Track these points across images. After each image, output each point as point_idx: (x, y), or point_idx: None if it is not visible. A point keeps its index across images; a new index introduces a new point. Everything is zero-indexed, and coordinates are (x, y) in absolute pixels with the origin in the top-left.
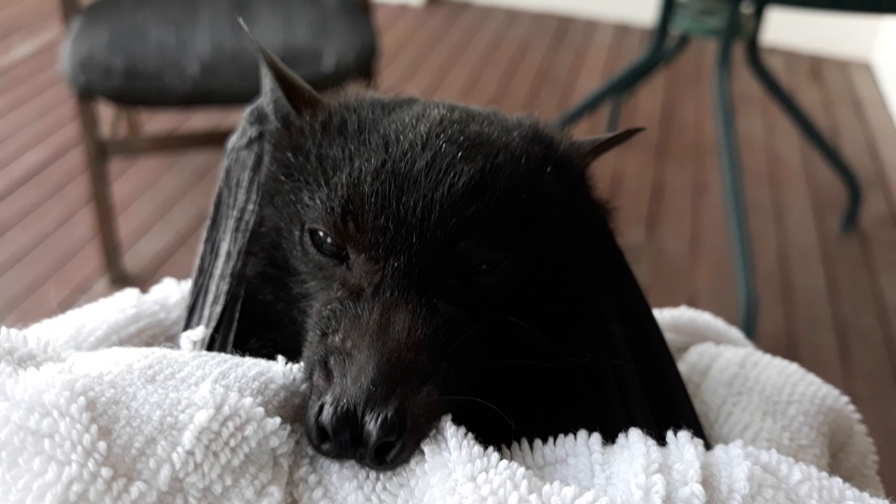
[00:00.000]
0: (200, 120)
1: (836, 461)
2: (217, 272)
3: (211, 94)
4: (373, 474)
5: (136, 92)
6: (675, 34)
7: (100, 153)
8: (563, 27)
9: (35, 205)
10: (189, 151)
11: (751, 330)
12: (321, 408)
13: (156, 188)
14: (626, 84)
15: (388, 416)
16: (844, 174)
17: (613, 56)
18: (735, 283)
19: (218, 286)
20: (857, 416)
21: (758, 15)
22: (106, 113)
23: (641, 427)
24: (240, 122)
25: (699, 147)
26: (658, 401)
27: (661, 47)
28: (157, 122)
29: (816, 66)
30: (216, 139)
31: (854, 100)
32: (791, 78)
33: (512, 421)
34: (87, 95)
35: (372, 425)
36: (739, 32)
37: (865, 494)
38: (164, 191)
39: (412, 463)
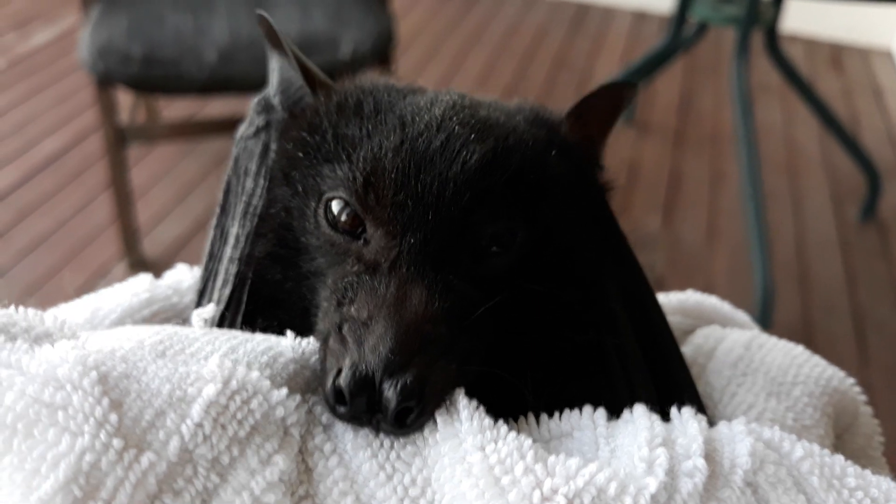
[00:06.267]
0: (218, 107)
1: (842, 442)
2: (226, 256)
3: (228, 81)
4: (387, 443)
5: (154, 79)
6: (694, 22)
7: (118, 139)
8: (581, 14)
9: (54, 190)
10: (206, 138)
11: (767, 319)
12: (339, 371)
13: (174, 174)
14: (644, 72)
15: (408, 382)
16: (863, 163)
17: (631, 43)
18: (752, 271)
19: (227, 269)
20: (862, 397)
21: (777, 2)
22: (124, 99)
23: (645, 404)
24: (247, 112)
25: (717, 135)
26: (661, 380)
27: (679, 35)
28: (174, 108)
29: (836, 54)
30: (233, 126)
31: (875, 88)
32: (811, 66)
33: (528, 393)
34: (105, 82)
35: (391, 392)
36: (758, 20)
37: (867, 472)
38: (182, 177)
39: (425, 432)
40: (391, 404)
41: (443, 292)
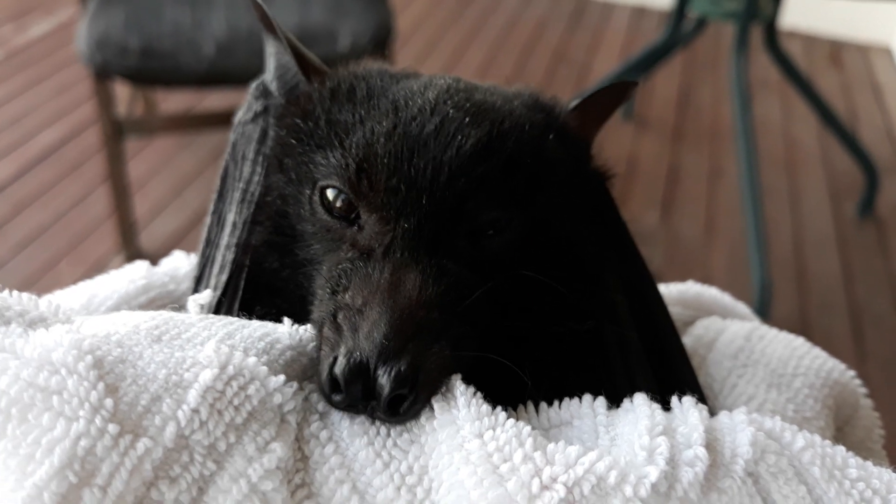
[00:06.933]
0: (216, 99)
1: (842, 434)
2: (223, 242)
3: (226, 73)
4: (383, 430)
5: (151, 71)
6: (693, 17)
7: (116, 132)
8: (580, 8)
9: (52, 183)
10: (204, 131)
11: (765, 315)
12: (335, 359)
13: (171, 167)
14: (643, 67)
15: (401, 369)
16: (862, 160)
17: (631, 38)
18: (750, 267)
19: (224, 256)
20: (863, 390)
21: None
22: (122, 92)
23: (645, 394)
24: (246, 97)
25: (715, 131)
26: (661, 369)
27: (678, 30)
28: (172, 101)
29: (836, 50)
30: (231, 119)
31: (874, 85)
32: (810, 62)
33: (527, 380)
34: (103, 75)
35: (385, 379)
36: (757, 15)
37: (869, 463)
38: (179, 170)
39: (422, 419)
40: (384, 391)
41: (437, 277)
